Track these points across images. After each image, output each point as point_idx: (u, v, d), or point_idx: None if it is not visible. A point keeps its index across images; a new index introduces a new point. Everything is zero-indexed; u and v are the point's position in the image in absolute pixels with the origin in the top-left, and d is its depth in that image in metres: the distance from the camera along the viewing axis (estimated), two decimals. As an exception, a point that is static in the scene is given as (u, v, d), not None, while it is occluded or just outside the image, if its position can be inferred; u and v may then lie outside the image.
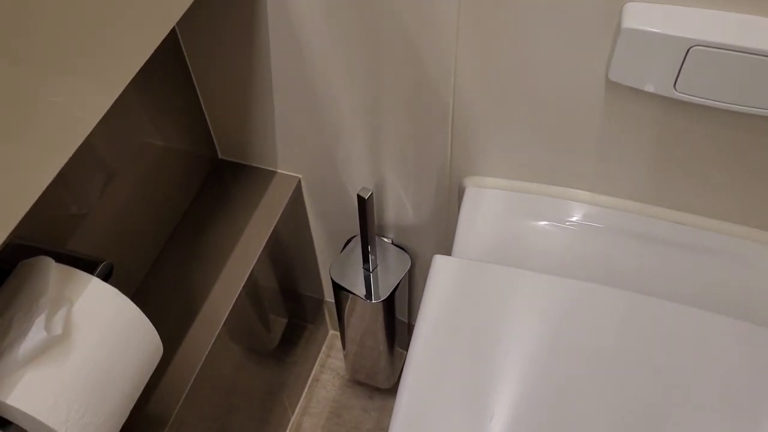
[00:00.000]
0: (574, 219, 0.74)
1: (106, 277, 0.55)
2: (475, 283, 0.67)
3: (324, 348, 1.20)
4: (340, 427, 1.11)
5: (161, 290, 0.80)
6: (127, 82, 0.49)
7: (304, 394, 1.15)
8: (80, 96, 0.45)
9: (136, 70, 0.50)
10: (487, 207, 0.76)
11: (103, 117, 0.67)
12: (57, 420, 0.45)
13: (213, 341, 0.77)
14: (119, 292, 0.52)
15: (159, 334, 0.77)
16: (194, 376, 0.75)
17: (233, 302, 0.80)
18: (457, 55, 0.64)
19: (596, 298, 0.65)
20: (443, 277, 0.66)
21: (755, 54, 0.52)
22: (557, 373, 0.61)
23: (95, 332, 0.49)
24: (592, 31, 0.58)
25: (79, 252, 0.57)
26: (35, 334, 0.45)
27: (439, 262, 0.67)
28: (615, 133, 0.66)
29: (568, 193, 0.75)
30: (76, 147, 0.46)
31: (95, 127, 0.67)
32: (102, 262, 0.55)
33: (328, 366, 1.18)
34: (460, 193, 0.79)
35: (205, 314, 0.79)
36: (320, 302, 1.15)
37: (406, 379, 0.61)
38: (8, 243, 0.57)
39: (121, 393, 0.52)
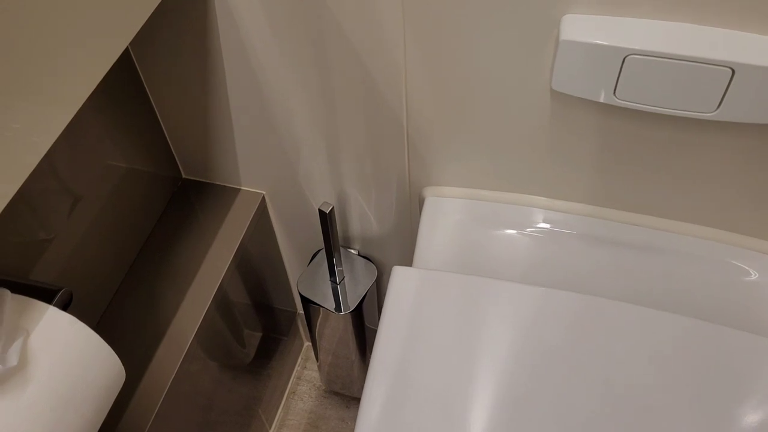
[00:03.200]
0: (531, 225, 0.75)
1: (65, 305, 0.56)
2: (435, 292, 0.68)
3: (300, 360, 1.21)
4: (319, 438, 1.12)
5: (129, 313, 0.81)
6: (80, 105, 0.50)
7: (281, 407, 1.16)
8: (33, 121, 0.45)
9: (89, 92, 0.50)
10: (446, 216, 0.77)
11: (66, 141, 0.68)
12: (16, 451, 0.46)
13: (182, 359, 0.77)
14: (76, 320, 0.52)
15: (126, 356, 0.78)
16: (164, 395, 0.75)
17: (201, 319, 0.80)
18: (406, 71, 0.66)
19: (558, 303, 0.66)
20: (402, 288, 0.68)
21: (686, 60, 0.54)
22: (521, 379, 0.62)
23: (52, 361, 0.50)
24: (533, 43, 0.59)
25: (38, 281, 0.58)
26: (-10, 367, 0.46)
27: (398, 273, 0.69)
28: (564, 139, 0.68)
29: (525, 200, 0.76)
30: (30, 172, 0.46)
31: (59, 152, 0.68)
32: (60, 291, 0.56)
33: (304, 378, 1.19)
34: (420, 203, 0.80)
35: (174, 333, 0.79)
36: (293, 315, 1.16)
37: (367, 390, 0.62)
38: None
39: (82, 419, 0.52)
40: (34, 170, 0.65)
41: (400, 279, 0.68)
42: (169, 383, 0.76)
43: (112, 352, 0.55)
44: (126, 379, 0.76)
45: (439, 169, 0.76)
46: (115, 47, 0.53)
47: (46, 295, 0.54)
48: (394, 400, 0.61)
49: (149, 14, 0.56)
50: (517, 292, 0.67)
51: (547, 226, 0.75)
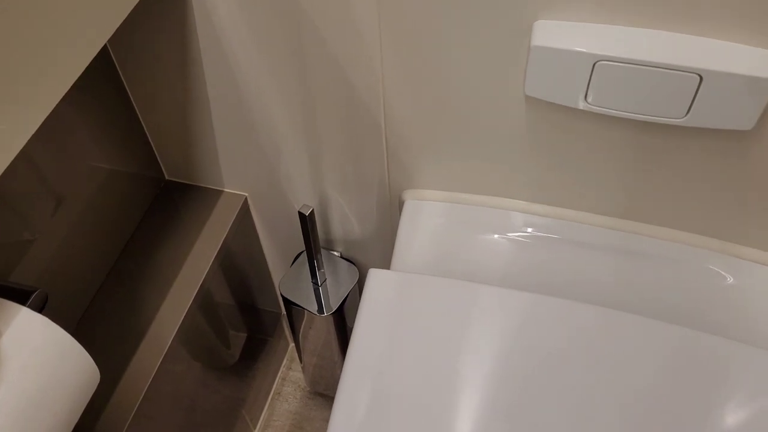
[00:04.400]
0: (511, 228, 0.76)
1: (40, 307, 0.56)
2: (411, 296, 0.68)
3: (285, 361, 1.22)
4: (303, 439, 1.12)
5: (109, 313, 0.81)
6: (54, 105, 0.50)
7: (265, 408, 1.16)
8: (4, 120, 0.46)
9: (63, 92, 0.51)
10: (426, 219, 0.78)
11: (49, 141, 0.69)
12: (-15, 450, 0.46)
13: (162, 358, 0.78)
14: (50, 321, 0.53)
15: (106, 356, 0.78)
16: (143, 395, 0.75)
17: (182, 318, 0.81)
18: (383, 76, 0.66)
19: (538, 308, 0.66)
20: (378, 291, 0.68)
21: (655, 67, 0.55)
22: (502, 385, 0.63)
23: (24, 362, 0.50)
24: (507, 49, 0.60)
25: (14, 282, 0.58)
26: (-40, 367, 0.46)
27: (374, 275, 0.69)
28: (540, 144, 0.68)
29: (505, 203, 0.77)
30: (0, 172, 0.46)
31: (42, 152, 0.68)
32: (35, 292, 0.56)
33: (289, 379, 1.19)
34: (401, 206, 0.81)
35: (154, 332, 0.80)
36: (278, 315, 1.17)
37: (339, 396, 0.62)
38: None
39: (54, 419, 0.52)
40: (17, 171, 0.66)
41: (376, 282, 0.69)
42: (149, 383, 0.76)
43: (86, 353, 0.55)
44: (104, 379, 0.76)
45: (418, 172, 0.77)
46: (90, 47, 0.53)
47: (21, 296, 0.55)
48: (367, 405, 0.62)
49: (126, 15, 0.56)
50: (496, 297, 0.67)
51: (528, 230, 0.76)
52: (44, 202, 0.71)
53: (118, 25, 0.56)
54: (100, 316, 0.81)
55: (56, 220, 0.73)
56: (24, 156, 0.67)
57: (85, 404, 0.57)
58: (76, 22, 0.51)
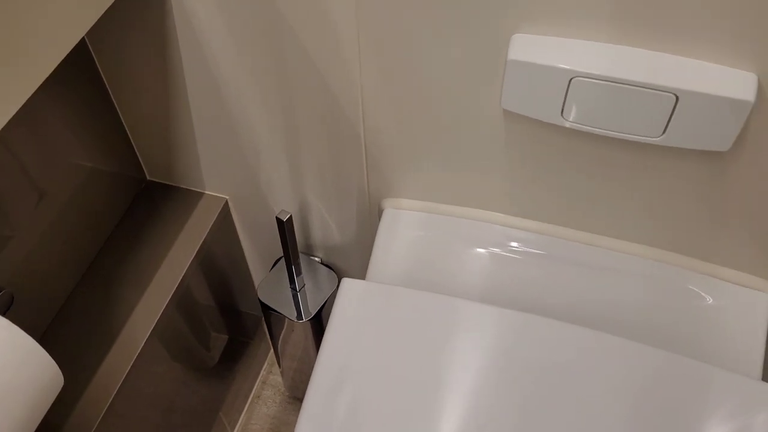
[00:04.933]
0: (490, 242, 0.75)
1: (4, 308, 0.56)
2: (384, 307, 0.68)
3: (266, 364, 1.21)
4: (280, 444, 1.11)
5: (84, 312, 0.81)
6: (27, 97, 0.50)
7: (244, 411, 1.15)
8: None
9: (36, 85, 0.50)
10: (404, 229, 0.77)
11: (32, 138, 0.68)
12: (-65, 453, 0.46)
13: (135, 357, 0.77)
14: (10, 323, 0.52)
15: (78, 355, 0.77)
16: (114, 394, 0.75)
17: (157, 318, 0.80)
18: (361, 85, 0.66)
19: (513, 324, 0.66)
20: (349, 300, 0.68)
21: (631, 85, 0.54)
22: (468, 400, 0.62)
23: (-19, 364, 0.49)
24: (484, 61, 0.60)
25: (-22, 282, 0.58)
26: None
27: (346, 285, 0.69)
28: (518, 158, 0.68)
29: (485, 216, 0.76)
30: None
31: (22, 147, 0.68)
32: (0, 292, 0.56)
33: (269, 382, 1.19)
34: (380, 214, 0.80)
35: (128, 332, 0.79)
36: (259, 318, 1.16)
37: (305, 404, 0.62)
38: None
39: (13, 421, 0.52)
40: None
41: (348, 291, 0.68)
42: (120, 382, 0.76)
43: (48, 357, 0.55)
44: (76, 378, 0.76)
45: (398, 181, 0.76)
46: (65, 42, 0.53)
47: (-17, 296, 0.54)
48: (331, 414, 0.61)
49: (102, 11, 0.56)
50: (471, 311, 0.67)
51: (508, 243, 0.75)
52: (25, 197, 0.71)
53: (94, 21, 0.55)
54: (75, 314, 0.80)
55: (36, 216, 0.72)
56: (4, 150, 0.66)
57: (47, 407, 0.57)
58: (50, 15, 0.51)
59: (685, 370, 0.63)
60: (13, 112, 0.50)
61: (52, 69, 0.53)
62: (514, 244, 0.75)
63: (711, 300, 0.71)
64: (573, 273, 0.73)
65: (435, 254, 0.75)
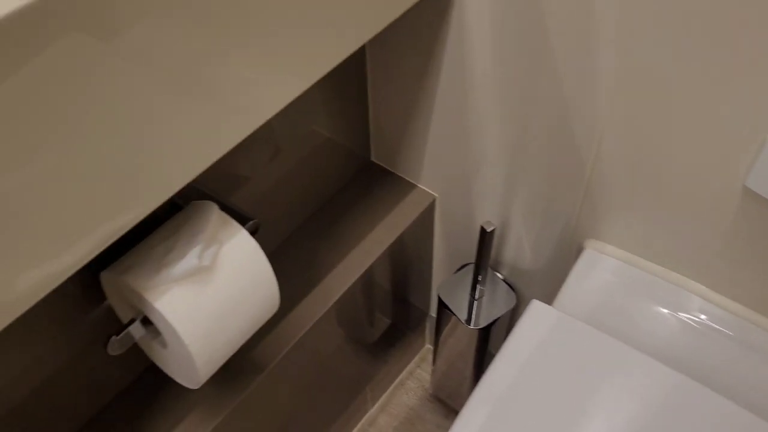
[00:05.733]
0: (685, 309, 0.74)
1: (252, 233, 0.66)
2: (565, 338, 0.70)
3: (416, 358, 1.27)
4: (410, 435, 1.17)
5: (291, 259, 0.91)
6: (315, 81, 0.58)
7: (387, 393, 1.22)
8: (273, 81, 0.53)
9: (326, 72, 0.59)
10: (599, 272, 0.78)
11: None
12: (185, 330, 0.56)
13: (320, 316, 0.86)
14: (259, 247, 0.62)
15: (282, 292, 0.87)
16: (295, 341, 0.84)
17: (345, 289, 0.88)
18: (604, 127, 0.68)
19: (683, 393, 0.65)
20: (534, 322, 0.71)
21: None
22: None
23: (233, 274, 0.59)
24: (740, 136, 0.60)
25: (237, 206, 0.68)
26: (190, 260, 0.56)
27: (535, 306, 0.72)
28: (745, 238, 0.67)
29: (685, 283, 0.76)
30: (260, 124, 0.55)
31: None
32: (252, 220, 0.66)
33: (415, 375, 1.24)
34: (578, 251, 0.82)
35: (320, 291, 0.88)
36: (424, 315, 1.22)
37: (465, 410, 0.66)
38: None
39: (238, 329, 0.62)
40: None
41: (535, 313, 0.71)
42: (302, 333, 0.84)
43: (276, 284, 0.64)
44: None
45: (607, 226, 0.78)
46: (355, 42, 0.60)
47: (240, 219, 0.64)
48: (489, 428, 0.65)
49: (394, 18, 0.64)
50: (645, 366, 0.67)
51: (701, 316, 0.74)
52: (266, 148, 0.81)
53: (385, 25, 0.63)
54: (283, 259, 0.91)
55: (272, 166, 0.83)
56: None
57: (259, 327, 0.66)
58: (352, 14, 0.58)
59: None
60: (303, 90, 0.57)
61: (341, 60, 0.60)
62: (703, 317, 0.74)
63: None
64: (756, 360, 0.70)
65: (623, 304, 0.75)
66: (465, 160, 0.87)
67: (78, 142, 0.39)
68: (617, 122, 0.67)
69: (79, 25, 0.36)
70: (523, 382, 0.67)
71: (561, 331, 0.70)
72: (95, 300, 0.67)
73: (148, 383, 0.79)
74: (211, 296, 0.57)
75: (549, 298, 0.91)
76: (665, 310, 0.75)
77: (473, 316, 0.94)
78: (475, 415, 0.65)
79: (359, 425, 1.19)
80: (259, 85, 0.52)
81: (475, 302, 0.95)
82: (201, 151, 0.49)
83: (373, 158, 1.01)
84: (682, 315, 0.74)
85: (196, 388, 0.65)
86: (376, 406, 1.21)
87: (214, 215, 0.60)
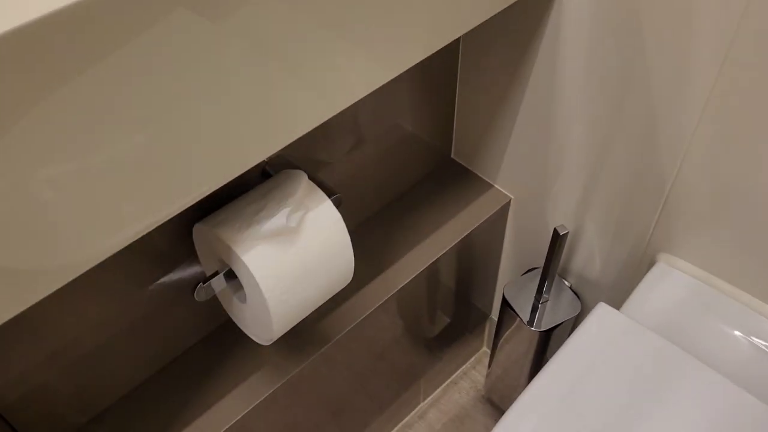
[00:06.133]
0: (755, 332, 0.73)
1: (336, 206, 0.69)
2: (627, 341, 0.70)
3: (472, 360, 1.28)
4: (458, 433, 1.18)
5: (363, 243, 0.94)
6: (403, 70, 0.60)
7: (440, 389, 1.24)
8: (361, 67, 0.54)
9: (415, 62, 0.61)
10: (670, 286, 0.78)
11: (371, 96, 0.82)
12: (267, 286, 0.60)
13: (384, 300, 0.88)
14: (341, 218, 0.65)
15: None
16: (358, 320, 0.86)
17: (411, 277, 0.91)
18: (690, 144, 0.69)
19: (741, 408, 0.65)
20: (598, 324, 0.71)
21: None
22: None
23: (315, 239, 0.63)
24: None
25: (323, 180, 0.72)
26: (278, 220, 0.60)
27: (602, 309, 0.72)
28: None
29: (760, 307, 0.75)
30: (346, 105, 0.55)
31: (362, 101, 0.81)
32: (336, 194, 0.69)
33: (470, 376, 1.25)
34: (650, 265, 0.82)
35: (387, 276, 0.90)
36: (485, 317, 1.23)
37: (514, 406, 0.67)
38: (278, 154, 0.73)
39: (313, 292, 0.65)
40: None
41: (601, 315, 0.72)
42: (363, 316, 0.87)
43: (353, 261, 0.67)
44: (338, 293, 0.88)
45: (683, 241, 0.77)
46: (450, 34, 0.61)
47: (326, 191, 0.68)
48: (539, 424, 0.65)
49: (492, 14, 0.66)
50: (718, 385, 0.66)
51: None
52: (350, 138, 0.85)
53: (481, 21, 0.64)
54: (357, 242, 0.93)
55: (353, 155, 0.86)
56: None
57: (332, 294, 0.69)
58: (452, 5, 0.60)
59: None
60: (389, 79, 0.57)
61: (432, 52, 0.60)
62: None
63: None
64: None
65: (693, 321, 0.75)
66: (545, 165, 0.88)
67: (190, 105, 0.43)
68: (706, 139, 0.67)
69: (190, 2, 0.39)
70: (579, 379, 0.68)
71: (625, 335, 0.71)
72: (184, 253, 0.72)
73: (220, 340, 0.83)
74: (293, 256, 0.61)
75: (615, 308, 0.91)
76: (737, 332, 0.74)
77: (536, 319, 0.95)
78: (528, 407, 0.66)
79: (409, 417, 1.21)
80: (349, 68, 0.53)
81: (540, 305, 0.95)
82: (286, 124, 0.51)
83: (452, 155, 1.03)
84: (755, 339, 0.73)
85: (268, 344, 0.69)
86: (428, 400, 1.23)
87: (304, 183, 0.64)
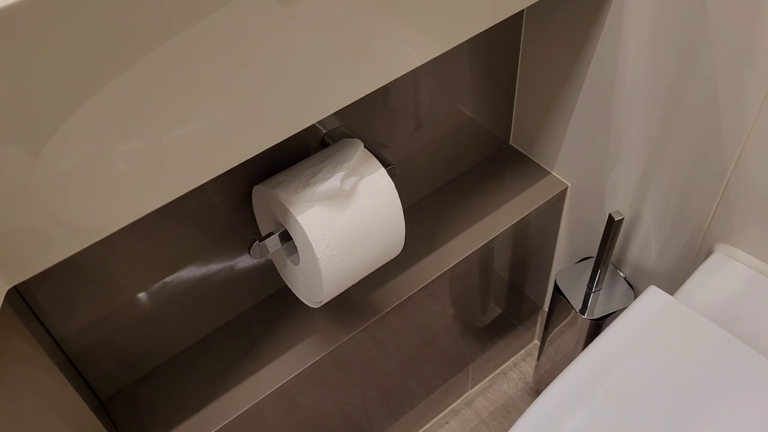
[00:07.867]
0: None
1: (391, 176, 0.71)
2: (678, 328, 0.69)
3: (522, 352, 1.27)
4: (505, 422, 1.18)
5: (418, 221, 0.95)
6: (459, 42, 0.61)
7: (488, 379, 1.24)
8: (414, 37, 0.56)
9: (477, 32, 0.62)
10: (727, 276, 0.76)
11: (433, 79, 0.83)
12: (319, 246, 0.62)
13: (434, 277, 0.89)
14: (394, 187, 0.67)
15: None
16: (408, 295, 0.87)
17: (463, 257, 0.91)
18: (751, 131, 0.67)
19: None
20: (648, 307, 0.70)
21: None
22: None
23: (368, 205, 0.65)
24: None
25: (380, 153, 0.74)
26: (332, 183, 0.62)
27: (653, 292, 0.71)
28: None
29: (821, 302, 0.72)
30: (398, 75, 0.57)
31: (424, 85, 0.83)
32: (392, 165, 0.71)
33: (519, 368, 1.25)
34: (707, 255, 0.80)
35: (440, 254, 0.91)
36: (537, 309, 1.22)
37: (552, 386, 0.67)
38: (337, 127, 0.76)
39: (363, 257, 0.67)
40: (400, 90, 0.80)
41: (651, 298, 0.71)
42: (413, 291, 0.88)
43: (404, 231, 0.69)
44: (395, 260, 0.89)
45: (743, 231, 0.76)
46: (506, 8, 0.62)
47: (381, 161, 0.70)
48: (564, 411, 0.65)
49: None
50: (761, 366, 0.65)
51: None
52: (407, 122, 0.86)
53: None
54: (412, 220, 0.95)
55: (413, 137, 0.88)
56: (410, 80, 0.81)
57: (382, 263, 0.71)
58: None
59: None
60: (437, 54, 0.59)
61: (483, 29, 0.61)
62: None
63: None
64: None
65: (749, 312, 0.73)
66: (603, 153, 0.87)
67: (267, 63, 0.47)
68: (765, 128, 0.66)
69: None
70: (625, 359, 0.67)
71: (675, 318, 0.70)
72: (245, 217, 0.75)
73: (272, 307, 0.86)
74: (346, 219, 0.63)
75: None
76: (792, 325, 0.72)
77: (587, 306, 0.94)
78: (568, 381, 0.66)
79: (456, 403, 1.21)
80: (411, 34, 0.55)
81: (592, 294, 0.95)
82: (344, 89, 0.54)
83: (511, 141, 1.04)
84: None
85: (318, 306, 0.71)
86: (476, 388, 1.23)
87: (360, 150, 0.66)
